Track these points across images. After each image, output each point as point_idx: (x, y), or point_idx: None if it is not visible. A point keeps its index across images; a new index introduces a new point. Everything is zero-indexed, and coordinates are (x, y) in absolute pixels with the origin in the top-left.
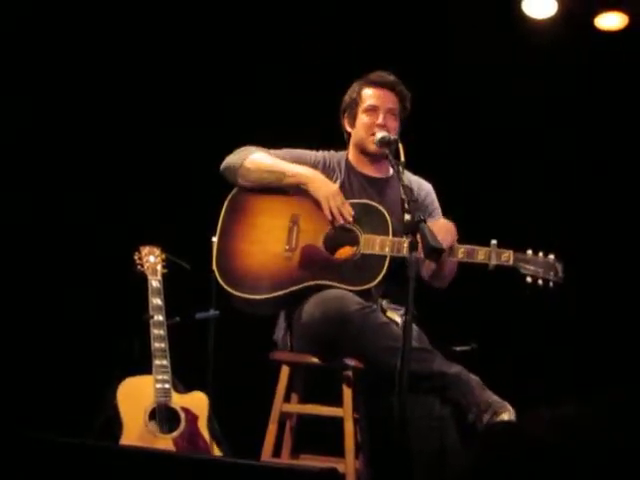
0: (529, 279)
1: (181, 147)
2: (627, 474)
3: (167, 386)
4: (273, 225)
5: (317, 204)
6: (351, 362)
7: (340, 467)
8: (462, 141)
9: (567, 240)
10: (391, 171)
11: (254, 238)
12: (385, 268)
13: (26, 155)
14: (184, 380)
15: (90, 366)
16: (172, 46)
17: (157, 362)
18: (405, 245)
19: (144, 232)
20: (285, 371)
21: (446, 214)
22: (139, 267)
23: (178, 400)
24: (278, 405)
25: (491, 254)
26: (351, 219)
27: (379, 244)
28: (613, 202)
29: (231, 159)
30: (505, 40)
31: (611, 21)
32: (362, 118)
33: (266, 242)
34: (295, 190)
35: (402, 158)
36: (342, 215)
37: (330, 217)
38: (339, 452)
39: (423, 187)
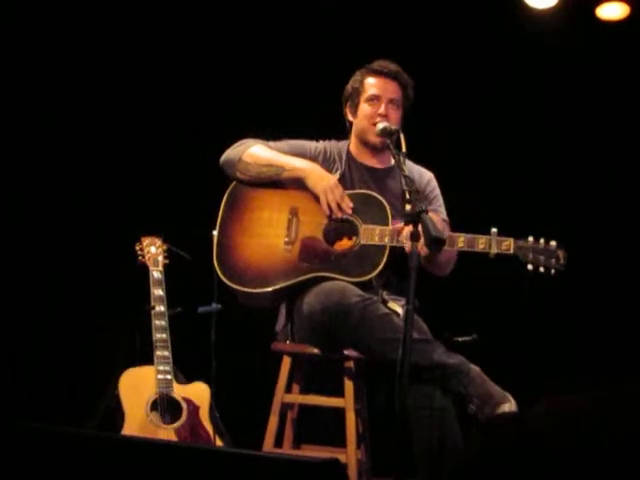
0: (530, 267)
1: (182, 138)
2: (630, 465)
3: (169, 377)
4: (272, 218)
5: (316, 196)
6: (352, 353)
7: (342, 457)
8: (462, 129)
9: (569, 227)
10: (392, 162)
11: (254, 231)
12: (385, 258)
13: (28, 146)
14: (185, 371)
15: (92, 357)
16: (169, 38)
17: (158, 353)
18: (404, 234)
19: (145, 223)
20: (286, 362)
21: (447, 202)
22: (140, 258)
23: (180, 391)
24: (279, 396)
25: (491, 242)
26: (350, 212)
27: (378, 234)
28: (614, 191)
29: (229, 153)
30: (506, 30)
31: (612, 11)
32: (364, 108)
33: (266, 235)
34: (294, 183)
35: (403, 149)
36: (340, 208)
37: (328, 211)
38: (340, 443)
39: (424, 176)
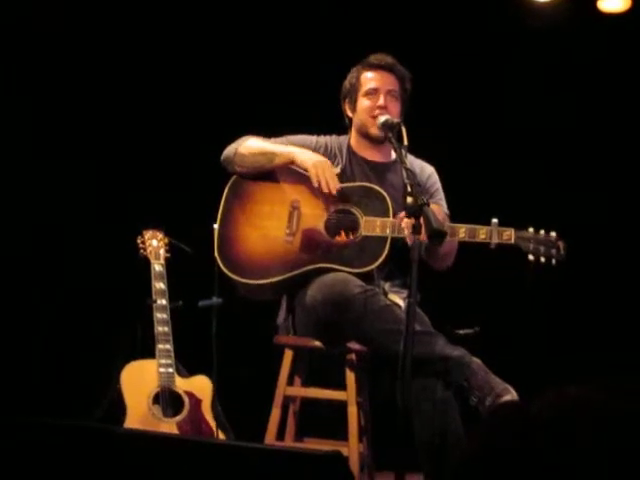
0: (531, 257)
1: (183, 132)
2: (632, 453)
3: (170, 370)
4: (274, 210)
5: (317, 190)
6: (354, 346)
7: (344, 450)
8: (462, 121)
9: (569, 218)
10: (393, 155)
11: (255, 224)
12: (386, 249)
13: (31, 139)
14: (187, 364)
15: (93, 350)
16: (172, 32)
17: (160, 346)
18: (403, 225)
19: (147, 216)
20: (288, 355)
21: (448, 194)
22: (142, 251)
23: (181, 384)
24: (281, 389)
25: (492, 233)
26: (334, 191)
27: (380, 226)
28: (615, 182)
29: (228, 149)
30: (508, 23)
31: (614, 4)
32: (362, 102)
33: (267, 227)
34: (295, 176)
35: (405, 142)
36: (328, 185)
37: (316, 183)
38: (342, 436)
39: (425, 170)
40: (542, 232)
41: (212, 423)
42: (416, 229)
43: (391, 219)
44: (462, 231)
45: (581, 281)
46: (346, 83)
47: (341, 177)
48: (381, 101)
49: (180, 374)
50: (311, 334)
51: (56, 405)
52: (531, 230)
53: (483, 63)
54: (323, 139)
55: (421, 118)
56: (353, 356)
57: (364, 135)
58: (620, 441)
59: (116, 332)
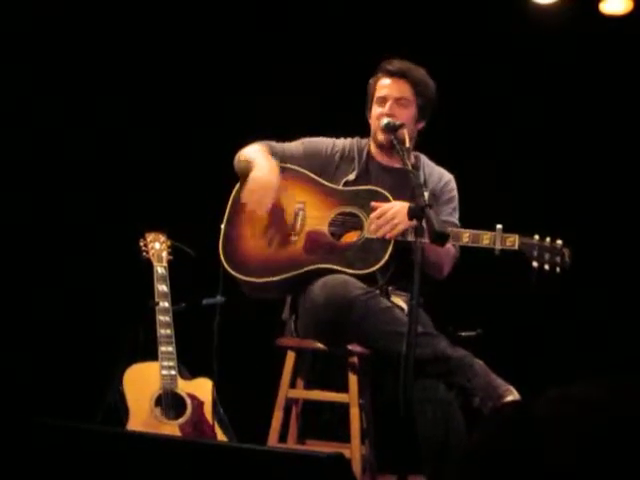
0: (535, 264)
1: (187, 134)
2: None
3: (173, 372)
4: (279, 211)
5: (324, 192)
6: (356, 348)
7: (346, 452)
8: (465, 126)
9: (574, 226)
10: (412, 160)
11: (260, 224)
12: (389, 252)
13: (34, 142)
14: (190, 367)
15: (96, 353)
16: (176, 33)
17: (163, 348)
18: (409, 229)
19: (149, 219)
20: (290, 357)
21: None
22: (144, 254)
23: (184, 386)
24: (284, 391)
25: (496, 238)
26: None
27: None
28: (619, 188)
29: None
30: (510, 24)
31: (616, 6)
32: (374, 109)
33: (272, 227)
34: (301, 177)
35: (407, 144)
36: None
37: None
38: (345, 438)
39: (444, 177)
40: (548, 239)
41: (214, 425)
42: (419, 231)
43: None
44: (466, 236)
45: (582, 283)
46: (368, 88)
47: (356, 182)
48: (386, 109)
49: (182, 376)
50: (313, 336)
51: (59, 407)
52: (536, 237)
53: (486, 66)
54: (342, 142)
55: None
56: (355, 358)
57: (374, 141)
58: (621, 441)
59: (119, 334)
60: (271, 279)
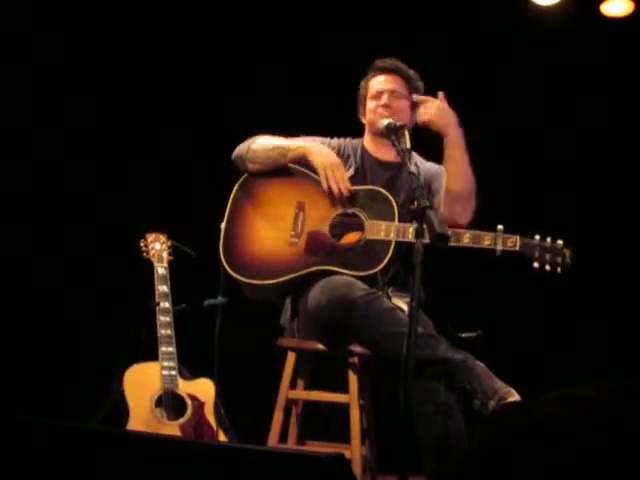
0: (536, 264)
1: (187, 134)
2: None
3: (173, 373)
4: (279, 212)
5: (323, 193)
6: (357, 349)
7: (346, 453)
8: (466, 126)
9: (576, 226)
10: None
11: (260, 225)
12: (390, 253)
13: (32, 143)
14: (190, 367)
15: (97, 353)
16: (175, 34)
17: (163, 349)
18: (410, 230)
19: (150, 219)
20: (291, 357)
21: None
22: (145, 254)
23: (184, 387)
24: (284, 392)
25: (497, 239)
26: (347, 192)
27: (384, 229)
28: (621, 188)
29: (239, 147)
30: (511, 26)
31: (617, 8)
32: (369, 105)
33: (272, 228)
34: (302, 177)
35: (408, 145)
36: (338, 187)
37: (326, 186)
38: (345, 438)
39: (434, 167)
40: (548, 240)
41: (215, 425)
42: (419, 232)
43: (396, 223)
44: (466, 237)
45: (582, 284)
46: (359, 91)
47: (354, 177)
48: (383, 100)
49: (183, 377)
50: (314, 336)
51: (59, 407)
52: (537, 237)
53: (488, 67)
54: (336, 141)
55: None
56: (356, 359)
57: (375, 133)
58: (621, 442)
59: (119, 334)
60: (272, 281)
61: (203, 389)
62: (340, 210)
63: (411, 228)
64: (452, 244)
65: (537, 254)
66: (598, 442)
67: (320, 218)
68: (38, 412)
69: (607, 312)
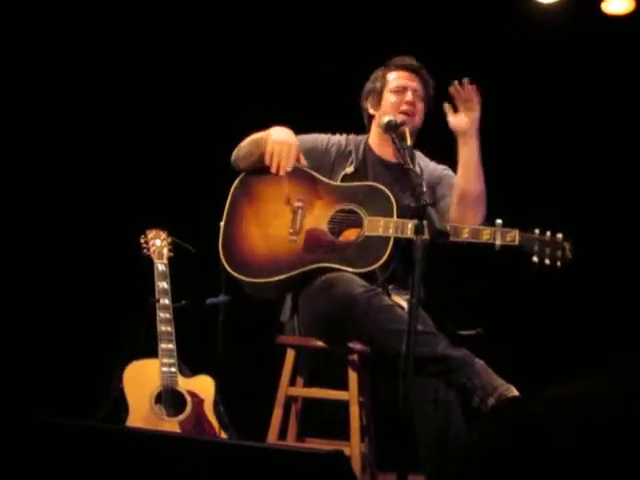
0: (535, 259)
1: (188, 132)
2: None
3: (173, 369)
4: (278, 209)
5: (323, 189)
6: (356, 346)
7: (346, 450)
8: None
9: (575, 221)
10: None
11: (259, 222)
12: (389, 249)
13: (33, 140)
14: (190, 364)
15: (96, 349)
16: (175, 31)
17: (163, 346)
18: (409, 226)
19: (150, 216)
20: (291, 355)
21: None
22: (145, 251)
23: (184, 384)
24: (283, 389)
25: (496, 234)
26: (282, 172)
27: (383, 225)
28: (621, 184)
29: (236, 149)
30: (512, 24)
31: (618, 6)
32: (389, 97)
33: (271, 226)
34: (300, 175)
35: (408, 142)
36: (278, 163)
37: (268, 160)
38: (344, 436)
39: (439, 167)
40: (548, 233)
41: (214, 422)
42: (419, 229)
43: (395, 219)
44: (465, 231)
45: (582, 281)
46: (369, 83)
47: (355, 176)
48: (409, 97)
49: (183, 373)
50: (314, 333)
51: (59, 404)
52: (537, 231)
53: (488, 65)
54: (337, 138)
55: (425, 119)
56: (355, 356)
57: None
58: (621, 439)
59: (119, 331)
60: (272, 279)
61: (203, 386)
62: (339, 207)
63: (410, 224)
64: (451, 239)
65: (537, 248)
66: (597, 438)
67: (319, 215)
68: (38, 409)
69: (607, 308)
